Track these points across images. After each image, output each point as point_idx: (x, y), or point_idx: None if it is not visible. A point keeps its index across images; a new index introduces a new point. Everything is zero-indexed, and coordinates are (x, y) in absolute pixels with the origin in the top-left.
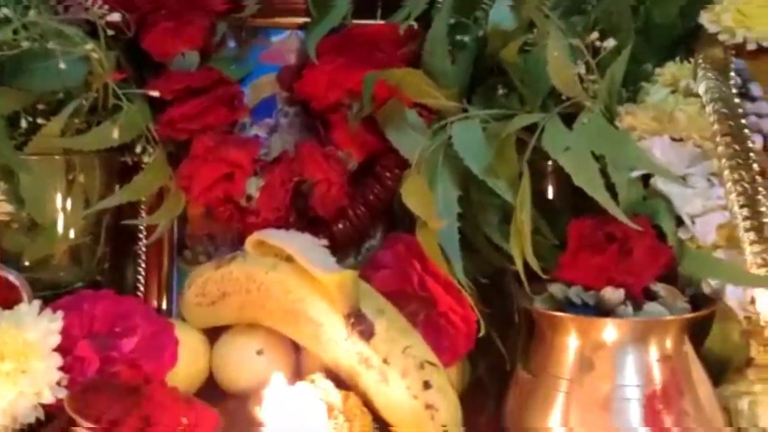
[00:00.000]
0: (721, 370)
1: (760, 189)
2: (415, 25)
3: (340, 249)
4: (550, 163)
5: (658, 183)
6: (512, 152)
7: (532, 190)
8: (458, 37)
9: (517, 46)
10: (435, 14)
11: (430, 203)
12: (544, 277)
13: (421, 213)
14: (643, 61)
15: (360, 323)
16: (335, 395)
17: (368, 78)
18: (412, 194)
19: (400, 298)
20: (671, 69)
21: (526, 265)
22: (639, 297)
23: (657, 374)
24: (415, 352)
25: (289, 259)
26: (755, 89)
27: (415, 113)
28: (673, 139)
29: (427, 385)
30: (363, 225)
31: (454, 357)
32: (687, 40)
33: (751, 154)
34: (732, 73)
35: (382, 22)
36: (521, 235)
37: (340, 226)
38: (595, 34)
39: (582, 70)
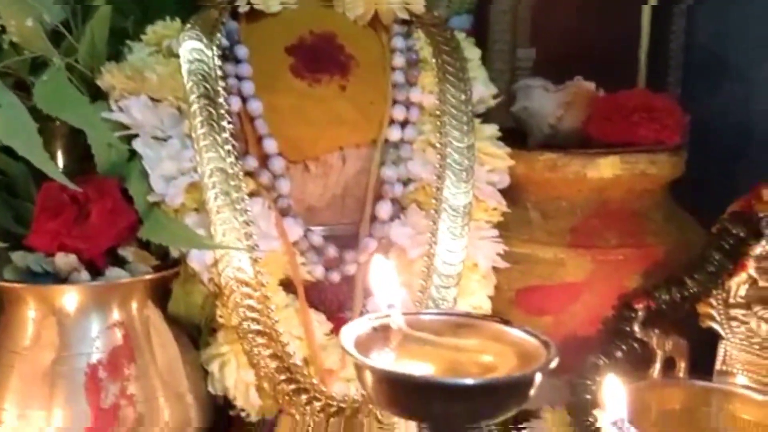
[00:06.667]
0: (200, 333)
1: (231, 152)
2: None
3: None
4: (58, 123)
5: (137, 144)
6: None
7: None
8: None
9: None
10: None
11: None
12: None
13: None
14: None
15: None
16: None
17: None
18: None
19: None
20: (156, 28)
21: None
22: (99, 262)
23: (105, 342)
24: None
25: None
26: (241, 51)
27: None
28: (154, 99)
29: None
30: None
31: None
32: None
33: (226, 116)
34: (220, 35)
35: None
36: None
37: None
38: None
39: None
